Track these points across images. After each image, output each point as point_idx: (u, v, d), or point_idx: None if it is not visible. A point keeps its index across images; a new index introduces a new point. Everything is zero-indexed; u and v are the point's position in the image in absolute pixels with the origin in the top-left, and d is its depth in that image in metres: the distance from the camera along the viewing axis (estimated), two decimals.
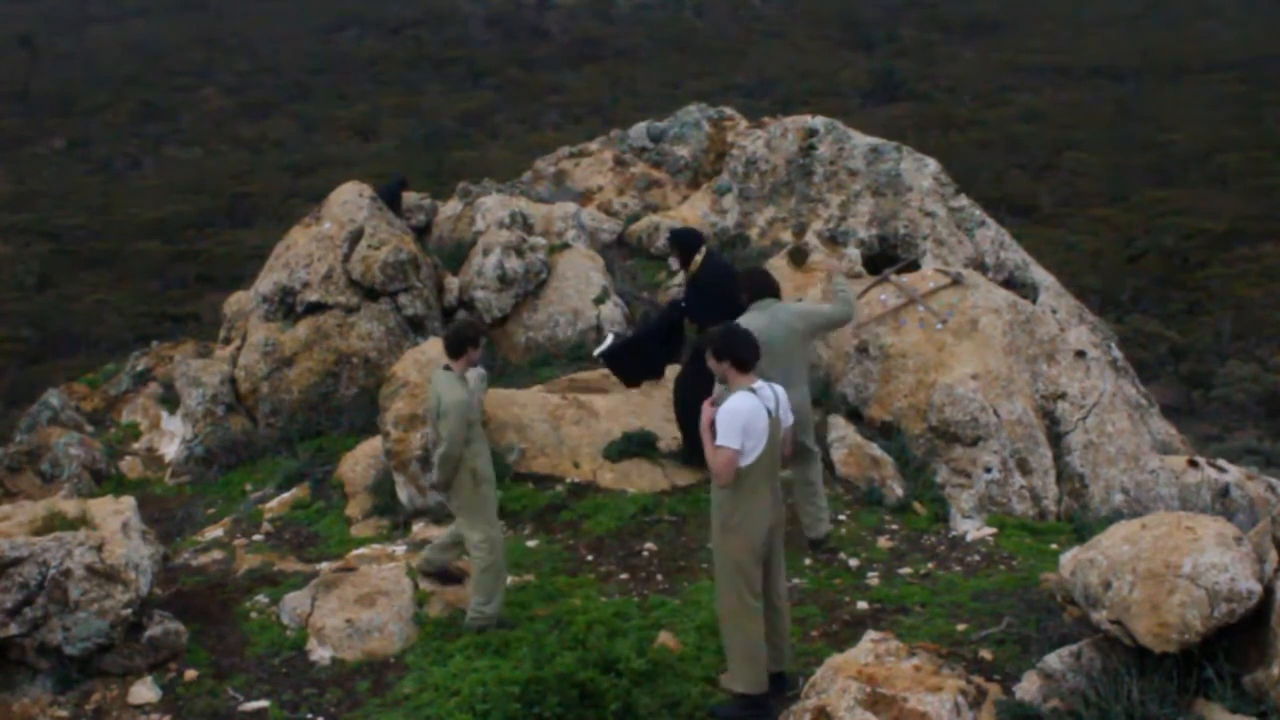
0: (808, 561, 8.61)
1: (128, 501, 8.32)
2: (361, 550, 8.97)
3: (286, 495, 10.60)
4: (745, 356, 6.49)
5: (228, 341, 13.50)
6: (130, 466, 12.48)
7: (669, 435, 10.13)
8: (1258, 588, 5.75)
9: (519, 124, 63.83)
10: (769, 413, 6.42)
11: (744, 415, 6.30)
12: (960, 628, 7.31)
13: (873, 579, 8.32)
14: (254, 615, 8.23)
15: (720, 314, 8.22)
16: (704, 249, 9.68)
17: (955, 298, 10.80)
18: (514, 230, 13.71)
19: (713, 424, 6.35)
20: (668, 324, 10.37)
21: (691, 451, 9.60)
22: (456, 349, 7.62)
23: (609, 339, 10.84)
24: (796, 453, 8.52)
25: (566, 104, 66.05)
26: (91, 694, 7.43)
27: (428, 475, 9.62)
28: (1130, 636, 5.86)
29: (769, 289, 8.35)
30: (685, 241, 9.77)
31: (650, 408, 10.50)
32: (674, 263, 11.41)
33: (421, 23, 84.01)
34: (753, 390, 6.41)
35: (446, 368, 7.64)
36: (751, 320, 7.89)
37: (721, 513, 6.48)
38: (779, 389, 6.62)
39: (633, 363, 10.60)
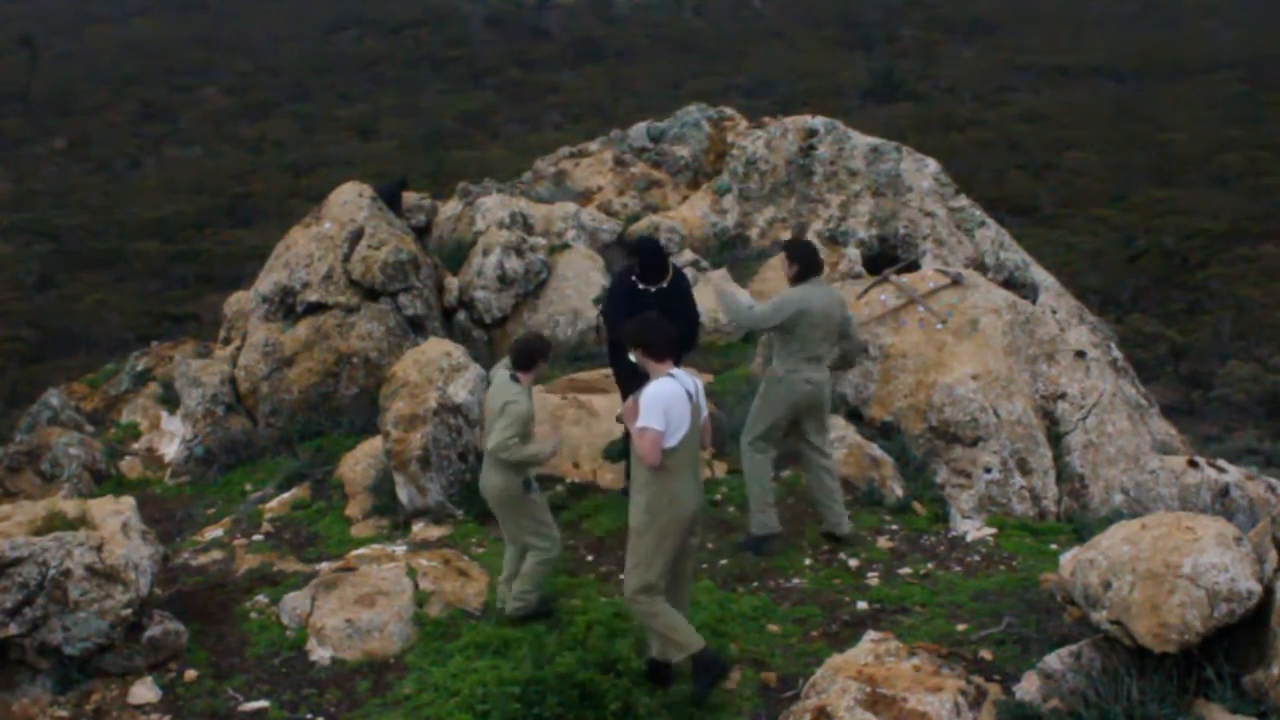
0: (808, 561, 8.61)
1: (128, 501, 8.31)
2: (361, 550, 8.96)
3: (286, 495, 10.59)
4: (659, 344, 6.71)
5: (228, 341, 13.49)
6: (130, 466, 12.47)
7: None
8: (1258, 588, 5.76)
9: (519, 124, 63.80)
10: (689, 396, 6.61)
11: (665, 398, 6.52)
12: (960, 628, 7.31)
13: (873, 579, 8.32)
14: (254, 615, 8.23)
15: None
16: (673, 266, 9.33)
17: (955, 298, 10.80)
18: (514, 230, 13.71)
19: (635, 410, 6.56)
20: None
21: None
22: (527, 361, 7.53)
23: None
24: (808, 454, 8.61)
25: (566, 104, 66.01)
26: (91, 694, 7.43)
27: (426, 478, 9.62)
28: (1130, 636, 5.86)
29: (818, 267, 8.52)
30: (652, 252, 9.30)
31: None
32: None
33: (421, 23, 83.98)
34: (671, 375, 6.63)
35: (514, 378, 7.57)
36: (807, 293, 8.25)
37: (645, 495, 6.62)
38: (696, 378, 6.82)
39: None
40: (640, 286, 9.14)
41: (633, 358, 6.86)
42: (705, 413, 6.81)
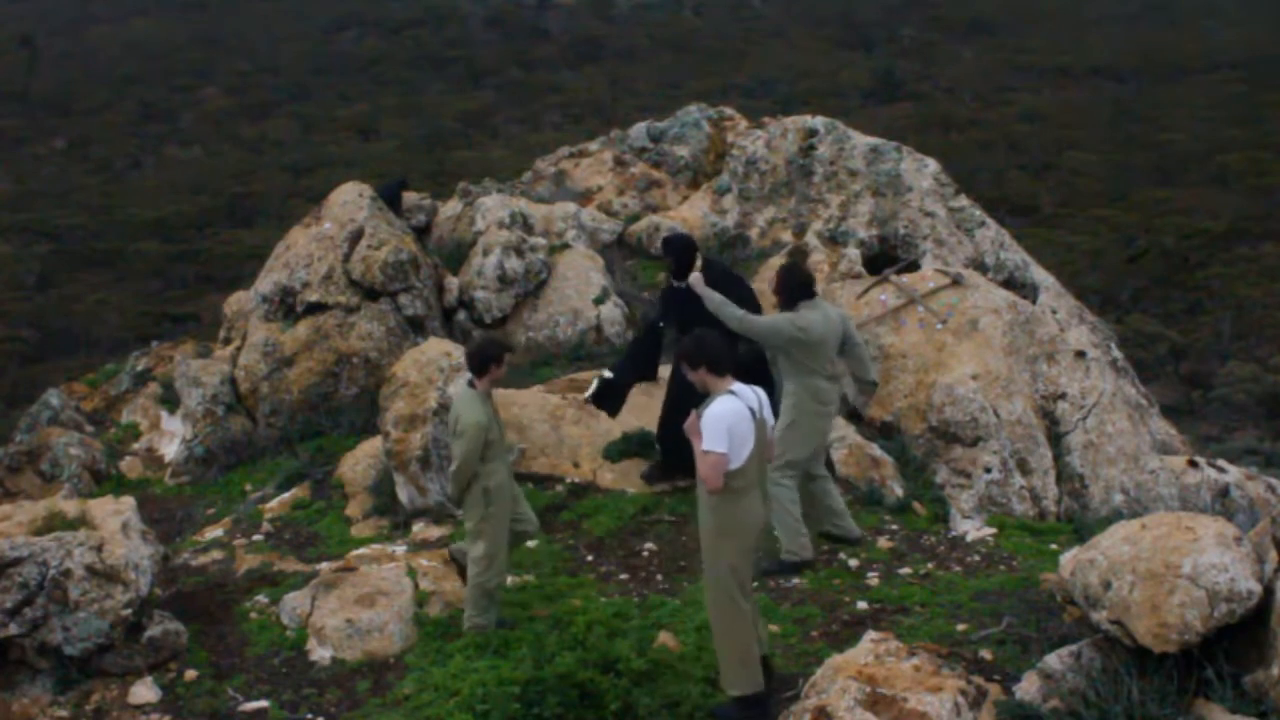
0: None
1: (128, 501, 8.32)
2: (361, 550, 8.97)
3: (286, 495, 10.60)
4: (719, 360, 6.46)
5: (228, 341, 13.50)
6: (130, 466, 12.48)
7: None
8: (1258, 588, 5.76)
9: (519, 124, 63.80)
10: (752, 414, 6.39)
11: (728, 418, 6.28)
12: (960, 628, 7.31)
13: (873, 579, 8.32)
14: (254, 615, 8.23)
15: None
16: (700, 256, 9.39)
17: (955, 298, 10.80)
18: (514, 230, 13.71)
19: (699, 431, 6.32)
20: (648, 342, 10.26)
21: (669, 465, 9.56)
22: (480, 366, 7.43)
23: (595, 383, 10.16)
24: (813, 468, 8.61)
25: (566, 104, 66.01)
26: (91, 694, 7.43)
27: (426, 478, 9.62)
28: (1130, 637, 5.86)
29: (806, 291, 8.34)
30: (683, 248, 9.35)
31: (650, 407, 10.49)
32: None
33: (421, 23, 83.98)
34: (733, 393, 6.39)
35: (470, 384, 7.48)
36: (802, 319, 8.15)
37: (714, 518, 6.43)
38: (760, 390, 6.59)
39: (616, 400, 10.17)
40: (674, 284, 9.15)
41: (692, 379, 6.55)
42: (772, 425, 6.60)
